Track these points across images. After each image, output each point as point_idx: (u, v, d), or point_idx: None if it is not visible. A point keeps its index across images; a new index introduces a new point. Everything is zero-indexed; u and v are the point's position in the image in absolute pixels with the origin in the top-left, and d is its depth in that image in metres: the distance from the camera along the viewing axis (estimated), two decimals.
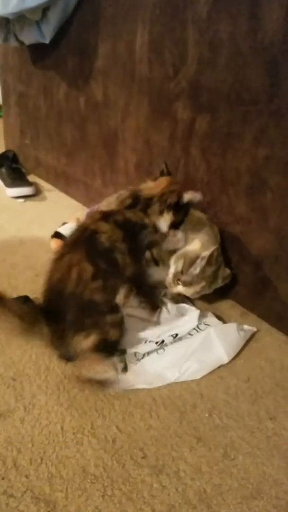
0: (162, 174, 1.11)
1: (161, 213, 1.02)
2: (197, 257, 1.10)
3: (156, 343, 1.03)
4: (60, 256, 0.94)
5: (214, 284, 1.17)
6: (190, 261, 1.10)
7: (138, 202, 1.04)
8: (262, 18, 1.03)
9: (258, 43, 1.06)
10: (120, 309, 0.93)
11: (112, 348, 0.92)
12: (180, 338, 1.06)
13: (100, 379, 0.90)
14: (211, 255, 1.09)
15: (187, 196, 1.03)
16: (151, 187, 1.06)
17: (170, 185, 1.05)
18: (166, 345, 1.03)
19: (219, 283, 1.18)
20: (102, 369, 0.89)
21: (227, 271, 1.17)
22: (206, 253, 1.10)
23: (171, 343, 1.04)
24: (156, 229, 1.01)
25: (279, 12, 0.99)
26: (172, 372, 0.98)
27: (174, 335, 1.05)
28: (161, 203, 1.02)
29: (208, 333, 1.05)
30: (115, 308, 0.92)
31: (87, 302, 0.87)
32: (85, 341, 0.86)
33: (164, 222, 1.02)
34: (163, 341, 1.03)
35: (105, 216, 0.99)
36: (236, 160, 1.19)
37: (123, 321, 0.93)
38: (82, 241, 0.94)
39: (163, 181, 1.06)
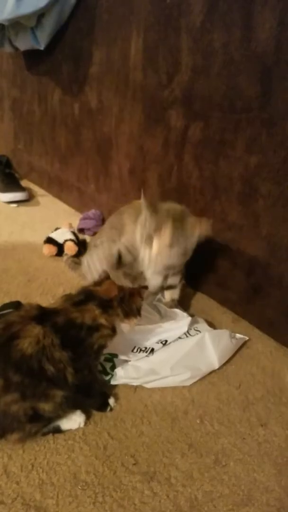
0: (101, 282, 0.93)
1: (126, 317, 0.88)
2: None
3: (145, 350, 1.03)
4: None
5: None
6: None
7: (92, 299, 0.85)
8: (255, 27, 1.04)
9: (251, 52, 1.07)
10: (44, 417, 0.79)
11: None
12: (170, 344, 1.06)
13: None
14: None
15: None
16: (103, 290, 0.88)
17: (118, 287, 0.89)
18: (155, 352, 1.03)
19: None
20: None
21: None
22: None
23: (161, 348, 1.04)
24: (113, 330, 0.85)
25: (272, 22, 1.00)
26: (163, 369, 0.98)
27: (164, 342, 1.04)
28: (124, 307, 0.88)
29: (202, 337, 1.05)
30: (37, 417, 0.77)
31: (2, 413, 0.75)
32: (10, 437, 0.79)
33: (127, 326, 0.94)
34: (152, 349, 1.03)
35: (41, 316, 0.80)
36: (228, 167, 1.20)
37: (47, 425, 0.82)
38: None
39: (111, 285, 0.94)
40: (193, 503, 0.74)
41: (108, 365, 0.99)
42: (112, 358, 0.99)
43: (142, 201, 1.05)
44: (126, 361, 1.00)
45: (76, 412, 0.85)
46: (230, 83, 1.14)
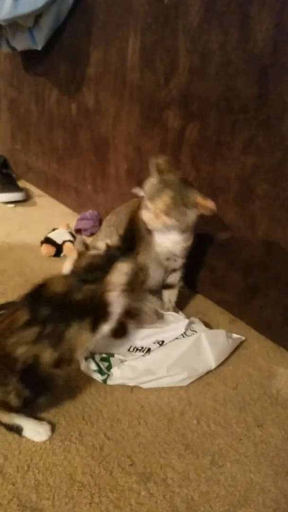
0: None
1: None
2: None
3: (142, 350, 1.03)
4: None
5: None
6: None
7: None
8: (253, 28, 1.05)
9: (248, 53, 1.07)
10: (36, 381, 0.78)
11: None
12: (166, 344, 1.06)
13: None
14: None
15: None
16: None
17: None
18: (152, 351, 1.03)
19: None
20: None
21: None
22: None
23: (157, 348, 1.04)
24: None
25: (269, 23, 1.01)
26: (160, 369, 0.98)
27: (160, 342, 1.05)
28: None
29: (198, 337, 1.05)
30: (31, 376, 0.77)
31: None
32: None
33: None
34: (149, 349, 1.03)
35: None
36: (225, 168, 1.20)
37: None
38: None
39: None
40: (190, 503, 0.74)
41: (104, 365, 0.98)
42: (108, 358, 0.99)
43: (150, 165, 1.03)
44: (122, 360, 1.00)
45: (43, 424, 0.84)
46: (227, 84, 1.14)
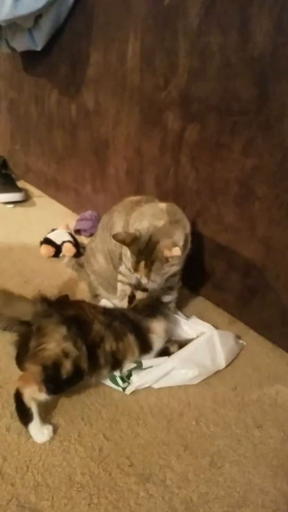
0: None
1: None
2: None
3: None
4: None
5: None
6: None
7: None
8: (252, 30, 1.05)
9: (247, 55, 1.07)
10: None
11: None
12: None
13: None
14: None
15: None
16: None
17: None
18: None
19: None
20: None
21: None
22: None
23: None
24: None
25: (269, 25, 1.01)
26: (171, 361, 1.00)
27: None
28: None
29: (211, 336, 1.06)
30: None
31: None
32: None
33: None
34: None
35: None
36: (225, 169, 1.21)
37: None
38: None
39: None
40: (189, 504, 0.74)
41: (125, 374, 0.98)
42: (136, 366, 0.99)
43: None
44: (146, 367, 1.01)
45: (48, 426, 0.84)
46: (227, 86, 1.14)
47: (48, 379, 0.82)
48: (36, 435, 0.82)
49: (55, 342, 0.86)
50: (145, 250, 1.01)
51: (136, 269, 1.04)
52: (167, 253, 0.98)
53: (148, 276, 1.03)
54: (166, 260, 1.00)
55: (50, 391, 0.82)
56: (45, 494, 0.73)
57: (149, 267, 1.01)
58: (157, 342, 1.03)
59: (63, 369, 0.84)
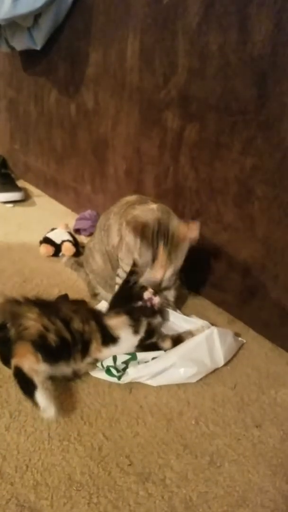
0: None
1: None
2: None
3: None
4: None
5: None
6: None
7: None
8: (251, 30, 1.05)
9: (247, 55, 1.07)
10: None
11: None
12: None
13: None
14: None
15: None
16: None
17: None
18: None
19: None
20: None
21: None
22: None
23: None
24: None
25: (268, 24, 1.01)
26: (170, 358, 1.00)
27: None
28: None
29: (211, 333, 1.05)
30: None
31: None
32: None
33: None
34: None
35: None
36: (224, 169, 1.21)
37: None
38: None
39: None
40: (188, 504, 0.74)
41: (120, 367, 0.98)
42: (129, 360, 0.99)
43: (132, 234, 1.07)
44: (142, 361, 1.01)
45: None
46: (226, 85, 1.15)
47: (40, 349, 0.87)
48: (44, 403, 0.81)
49: (33, 321, 0.92)
50: (158, 234, 1.05)
51: (155, 256, 1.06)
52: (184, 230, 1.05)
53: (170, 259, 1.06)
54: (184, 239, 1.06)
55: (46, 360, 0.87)
56: (45, 493, 0.73)
57: (169, 247, 1.05)
58: (122, 335, 1.02)
59: (50, 339, 0.90)
